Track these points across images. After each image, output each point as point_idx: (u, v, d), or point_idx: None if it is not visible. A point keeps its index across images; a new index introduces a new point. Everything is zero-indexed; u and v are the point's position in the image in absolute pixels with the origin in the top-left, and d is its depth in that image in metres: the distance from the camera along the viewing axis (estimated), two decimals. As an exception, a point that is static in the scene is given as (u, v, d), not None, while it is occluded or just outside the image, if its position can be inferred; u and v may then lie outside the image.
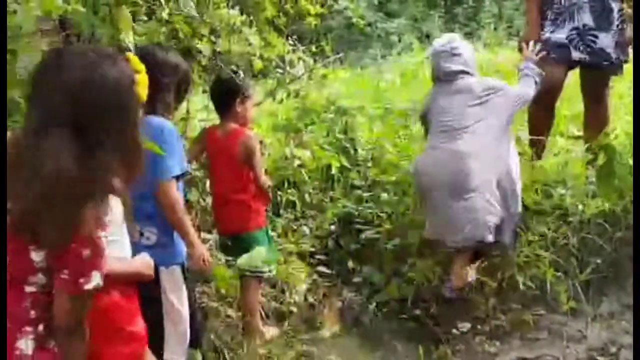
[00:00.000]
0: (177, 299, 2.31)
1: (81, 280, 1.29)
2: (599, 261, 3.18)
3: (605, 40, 3.48)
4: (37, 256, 1.31)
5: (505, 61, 4.93)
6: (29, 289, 1.34)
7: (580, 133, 4.11)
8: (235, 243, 3.13)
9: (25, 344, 1.33)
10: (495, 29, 9.74)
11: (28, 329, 1.34)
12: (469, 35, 10.64)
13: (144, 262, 1.83)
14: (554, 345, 2.96)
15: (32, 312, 1.34)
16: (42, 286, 1.34)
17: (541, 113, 3.68)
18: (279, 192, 4.15)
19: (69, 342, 1.34)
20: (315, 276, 3.80)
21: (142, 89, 1.46)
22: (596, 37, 3.50)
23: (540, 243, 3.26)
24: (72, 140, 1.28)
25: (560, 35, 3.54)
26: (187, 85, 2.55)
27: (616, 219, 3.26)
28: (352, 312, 3.60)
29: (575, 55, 3.56)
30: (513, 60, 5.08)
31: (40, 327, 1.35)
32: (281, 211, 4.07)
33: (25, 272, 1.33)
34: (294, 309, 3.50)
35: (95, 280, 1.31)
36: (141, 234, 2.15)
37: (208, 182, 3.61)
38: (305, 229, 4.02)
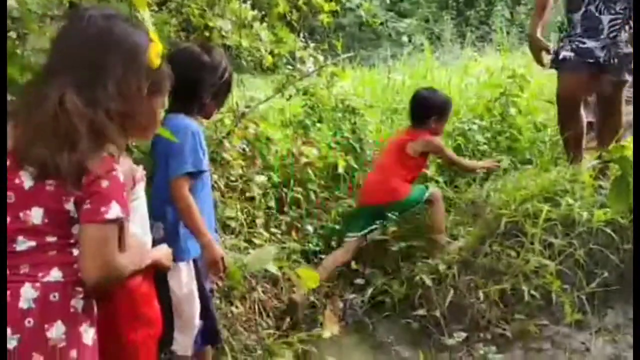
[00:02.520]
0: (181, 295, 2.29)
1: (102, 209, 1.38)
2: (605, 273, 3.12)
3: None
4: (70, 205, 1.41)
5: (517, 65, 4.87)
6: (76, 252, 1.43)
7: (591, 144, 4.08)
8: None
9: (77, 303, 1.43)
10: (507, 33, 9.69)
11: (79, 289, 1.44)
12: (480, 39, 10.62)
13: (163, 252, 1.92)
14: (556, 356, 2.91)
15: (80, 274, 1.43)
16: None
17: (568, 117, 3.67)
18: (285, 190, 4.12)
19: (105, 280, 1.41)
20: (317, 275, 3.77)
21: (157, 57, 1.52)
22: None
23: (547, 253, 3.22)
24: (79, 87, 1.40)
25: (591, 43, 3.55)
26: (229, 87, 2.48)
27: (624, 230, 3.22)
28: (354, 313, 3.57)
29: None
30: (525, 65, 5.06)
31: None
32: (286, 209, 4.04)
33: (66, 228, 1.42)
34: (295, 308, 3.47)
35: (115, 211, 1.39)
36: (151, 227, 2.13)
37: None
38: (310, 228, 3.99)
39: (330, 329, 3.44)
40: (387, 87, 6.06)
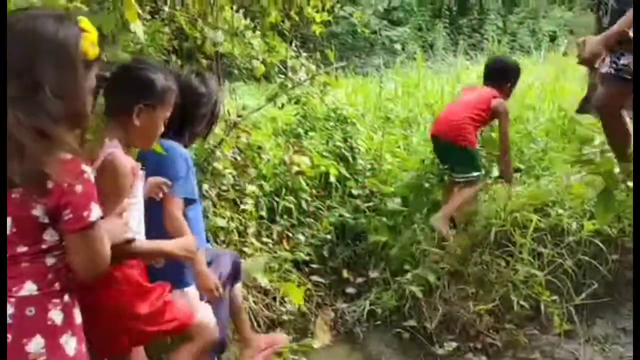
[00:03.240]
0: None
1: (85, 214, 1.38)
2: (594, 283, 3.14)
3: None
4: (37, 211, 1.38)
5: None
6: (49, 261, 1.42)
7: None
8: None
9: (55, 315, 1.42)
10: (499, 41, 9.75)
11: (56, 300, 1.42)
12: (472, 47, 10.68)
13: (177, 244, 2.02)
14: (545, 366, 2.93)
15: (57, 284, 1.43)
16: (57, 250, 1.42)
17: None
18: (276, 198, 4.13)
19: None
20: (309, 285, 3.78)
21: (92, 47, 1.48)
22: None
23: (536, 263, 3.23)
24: (19, 95, 1.36)
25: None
26: (218, 115, 2.57)
27: (612, 241, 3.24)
28: (345, 323, 3.58)
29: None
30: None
31: (66, 297, 1.45)
32: (277, 217, 4.04)
33: (35, 235, 1.40)
34: (286, 318, 3.48)
35: (96, 212, 1.41)
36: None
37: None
38: (301, 237, 4.00)
39: (321, 338, 3.45)
40: (379, 96, 6.07)
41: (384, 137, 4.97)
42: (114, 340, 1.95)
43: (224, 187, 3.74)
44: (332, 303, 3.75)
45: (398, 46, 11.74)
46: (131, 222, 1.84)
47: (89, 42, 1.47)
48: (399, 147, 5.01)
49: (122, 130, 1.92)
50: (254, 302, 3.38)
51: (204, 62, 4.94)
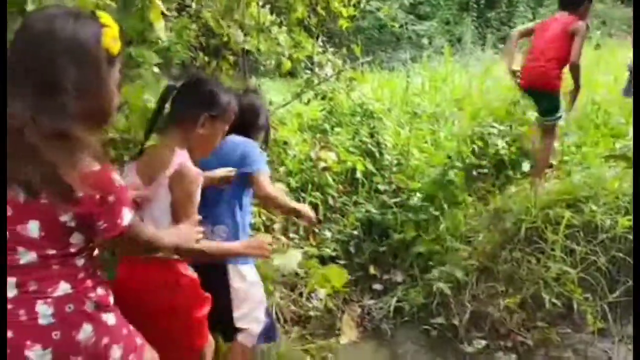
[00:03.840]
0: (244, 290, 2.39)
1: (118, 221, 1.42)
2: (629, 281, 3.05)
3: None
4: (65, 217, 1.39)
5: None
6: (79, 262, 1.46)
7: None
8: None
9: (90, 305, 1.47)
10: (529, 34, 9.55)
11: (91, 295, 1.47)
12: (502, 41, 10.51)
13: (245, 244, 2.14)
14: (578, 365, 2.86)
15: (89, 282, 1.48)
16: (85, 251, 1.46)
17: None
18: (303, 194, 4.11)
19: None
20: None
21: (114, 42, 1.45)
22: None
23: (568, 260, 3.16)
24: (37, 97, 1.33)
25: None
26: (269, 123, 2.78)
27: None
28: (372, 319, 3.55)
29: None
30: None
31: (99, 291, 1.50)
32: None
33: (63, 239, 1.42)
34: (313, 314, 3.46)
35: (128, 216, 1.44)
36: (211, 231, 2.32)
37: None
38: (327, 233, 3.98)
39: (348, 335, 3.43)
40: (406, 91, 6.01)
41: (411, 132, 4.93)
42: (171, 344, 1.96)
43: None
44: (359, 299, 3.73)
45: (425, 40, 11.62)
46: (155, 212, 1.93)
47: (111, 38, 1.44)
48: (426, 142, 4.96)
49: (185, 139, 2.01)
50: (281, 297, 3.37)
51: (231, 58, 4.96)
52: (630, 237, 3.14)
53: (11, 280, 1.39)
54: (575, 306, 3.04)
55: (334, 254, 3.89)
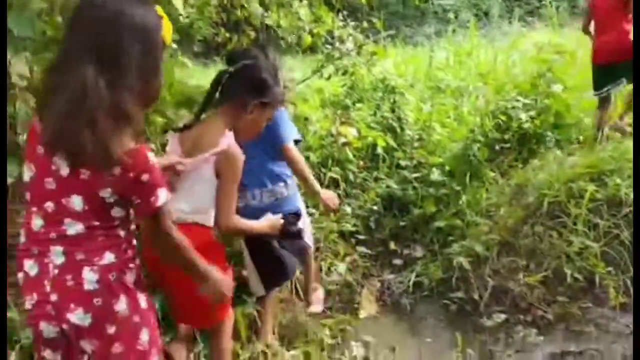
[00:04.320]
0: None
1: (152, 199, 1.48)
2: (653, 254, 2.99)
3: None
4: (104, 193, 1.47)
5: (567, 41, 4.70)
6: (122, 233, 1.55)
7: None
8: None
9: (130, 277, 1.57)
10: (557, 7, 9.34)
11: (131, 265, 1.58)
12: (529, 14, 10.28)
13: (268, 223, 2.26)
14: (599, 339, 2.82)
15: (130, 252, 1.57)
16: (126, 223, 1.56)
17: None
18: (323, 170, 4.11)
19: (172, 254, 1.61)
20: (355, 256, 3.77)
21: (167, 33, 1.57)
22: None
23: (591, 234, 3.11)
24: (100, 70, 1.42)
25: None
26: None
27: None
28: (391, 294, 3.55)
29: None
30: (575, 40, 4.88)
31: (137, 261, 1.61)
32: (323, 189, 4.02)
33: (105, 213, 1.51)
34: (332, 288, 3.48)
35: (163, 196, 1.50)
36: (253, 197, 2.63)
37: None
38: (348, 209, 3.97)
39: (367, 309, 3.43)
40: (430, 66, 5.93)
41: (433, 107, 4.87)
42: (195, 309, 2.07)
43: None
44: (379, 274, 3.73)
45: (451, 14, 11.40)
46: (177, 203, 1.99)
47: (167, 29, 1.56)
48: (449, 117, 4.90)
49: (233, 122, 2.10)
50: (300, 272, 3.38)
51: (252, 34, 4.95)
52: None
53: (59, 249, 1.50)
54: (597, 280, 3.00)
55: (354, 229, 3.89)
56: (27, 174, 1.53)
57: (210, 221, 2.08)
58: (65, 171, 1.47)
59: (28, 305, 1.54)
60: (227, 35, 5.17)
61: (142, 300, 1.60)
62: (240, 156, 2.03)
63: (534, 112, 4.22)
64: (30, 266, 1.53)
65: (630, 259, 3.01)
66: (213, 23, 5.03)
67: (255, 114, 2.14)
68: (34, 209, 1.53)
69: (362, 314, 3.37)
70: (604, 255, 3.04)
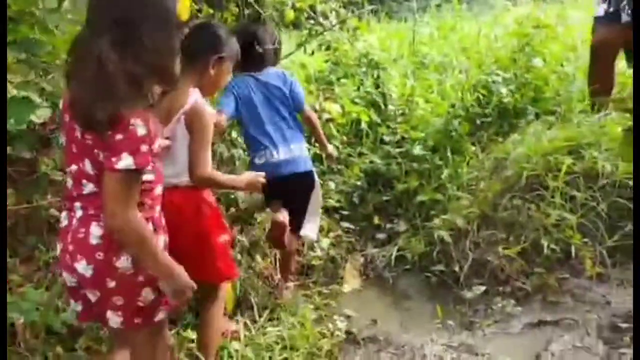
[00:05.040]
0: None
1: (113, 159, 1.53)
2: (628, 225, 3.06)
3: None
4: (101, 156, 1.58)
5: (545, 16, 4.71)
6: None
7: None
8: None
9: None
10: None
11: None
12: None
13: (246, 178, 2.39)
14: (576, 309, 2.88)
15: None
16: None
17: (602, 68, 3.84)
18: (307, 146, 4.11)
19: (115, 222, 1.58)
20: (339, 231, 3.81)
21: (185, 10, 1.75)
22: None
23: (568, 206, 3.16)
24: (117, 44, 1.51)
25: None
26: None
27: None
28: (375, 268, 3.61)
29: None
30: (553, 15, 4.90)
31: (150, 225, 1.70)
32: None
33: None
34: (316, 263, 3.53)
35: (126, 161, 1.53)
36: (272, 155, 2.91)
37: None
38: (331, 184, 4.00)
39: (351, 283, 3.49)
40: (413, 41, 5.92)
41: (416, 82, 4.88)
42: (200, 264, 2.18)
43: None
44: (362, 249, 3.78)
45: (436, -11, 11.34)
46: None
47: (184, 6, 1.72)
48: (432, 92, 4.91)
49: (197, 79, 2.23)
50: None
51: (234, 9, 4.91)
52: (631, 183, 3.12)
53: (78, 204, 1.68)
54: (573, 252, 3.06)
55: (337, 205, 3.93)
56: (62, 140, 1.76)
57: None
58: (79, 136, 1.60)
59: (58, 253, 1.76)
60: (211, 11, 5.12)
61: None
62: (206, 109, 2.15)
63: (514, 86, 4.25)
64: (63, 217, 1.74)
65: (606, 230, 3.07)
66: (196, -1, 4.98)
67: (217, 69, 2.28)
68: (67, 170, 1.72)
69: (346, 288, 3.43)
70: (580, 227, 3.10)
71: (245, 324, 2.80)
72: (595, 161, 3.24)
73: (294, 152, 2.96)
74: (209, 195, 2.33)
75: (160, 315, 1.77)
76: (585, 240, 3.07)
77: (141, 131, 1.53)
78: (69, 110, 1.61)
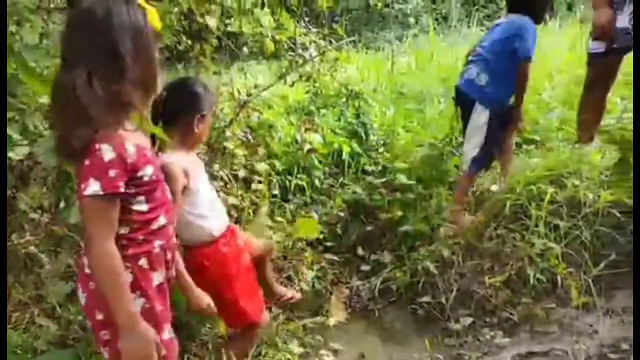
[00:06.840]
0: None
1: (82, 186, 1.51)
2: (612, 254, 3.07)
3: None
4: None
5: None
6: (122, 230, 1.63)
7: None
8: None
9: (127, 277, 1.64)
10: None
11: (127, 264, 1.64)
12: (488, 18, 10.46)
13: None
14: (563, 340, 2.87)
15: (130, 250, 1.66)
16: (125, 221, 1.64)
17: (596, 99, 3.73)
18: (288, 177, 4.10)
19: (89, 254, 1.57)
20: (323, 263, 3.77)
21: (155, 20, 1.68)
22: None
23: (552, 235, 3.17)
24: (97, 70, 1.51)
25: (623, 21, 3.49)
26: None
27: (630, 211, 3.15)
28: (360, 300, 3.57)
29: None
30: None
31: (142, 262, 1.68)
32: (290, 196, 4.02)
33: None
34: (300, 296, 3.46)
35: (93, 187, 1.49)
36: (477, 74, 3.47)
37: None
38: (315, 215, 3.98)
39: (336, 316, 3.44)
40: (391, 71, 5.99)
41: (396, 112, 4.91)
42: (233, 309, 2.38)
43: (235, 167, 3.73)
44: (347, 281, 3.74)
45: (412, 19, 11.55)
46: (202, 209, 2.33)
47: (153, 17, 1.67)
48: (412, 122, 4.95)
49: (183, 136, 2.30)
50: (268, 280, 3.36)
51: (214, 41, 4.91)
52: (614, 211, 3.15)
53: None
54: (559, 281, 3.06)
55: (321, 236, 3.89)
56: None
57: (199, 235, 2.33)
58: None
59: None
60: (189, 42, 5.12)
61: (136, 303, 1.62)
62: (174, 173, 2.15)
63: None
64: None
65: (590, 259, 3.08)
66: (175, 31, 4.98)
67: (201, 127, 2.34)
68: None
69: (331, 321, 3.38)
70: (565, 256, 3.10)
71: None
72: (577, 190, 3.26)
73: (483, 79, 3.44)
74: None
75: None
76: (570, 269, 3.07)
77: (108, 155, 1.50)
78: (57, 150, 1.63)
